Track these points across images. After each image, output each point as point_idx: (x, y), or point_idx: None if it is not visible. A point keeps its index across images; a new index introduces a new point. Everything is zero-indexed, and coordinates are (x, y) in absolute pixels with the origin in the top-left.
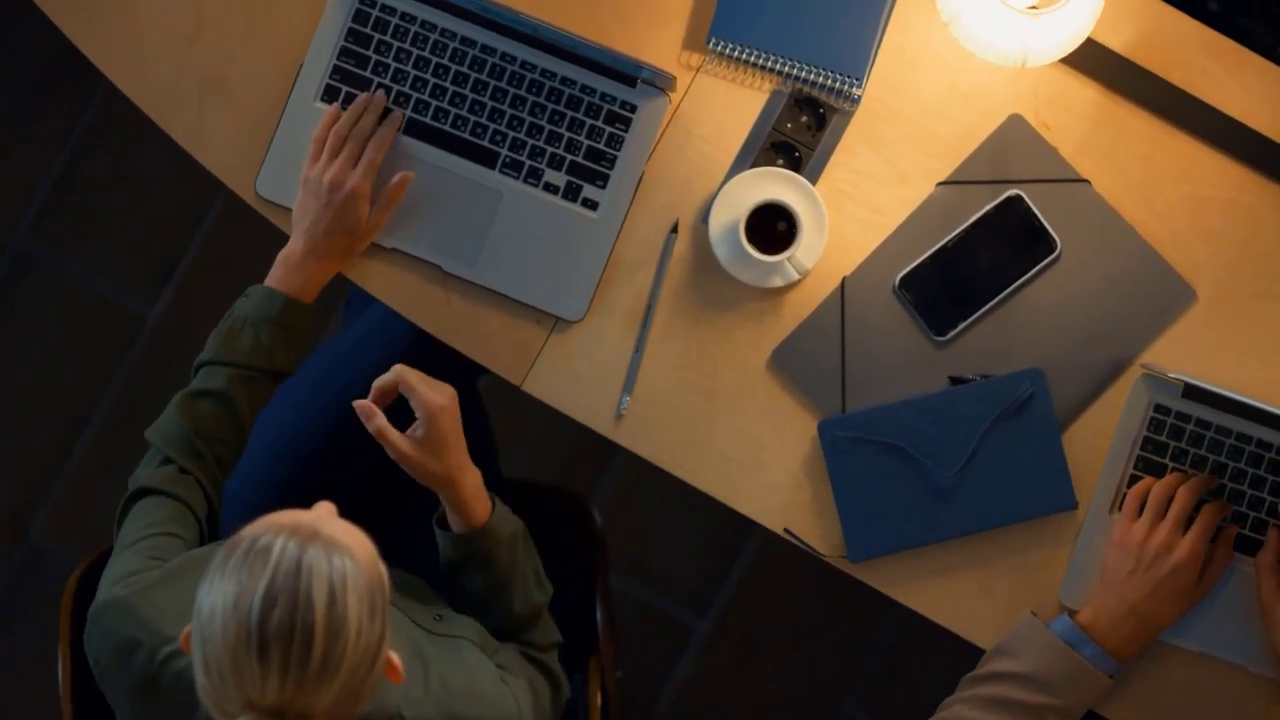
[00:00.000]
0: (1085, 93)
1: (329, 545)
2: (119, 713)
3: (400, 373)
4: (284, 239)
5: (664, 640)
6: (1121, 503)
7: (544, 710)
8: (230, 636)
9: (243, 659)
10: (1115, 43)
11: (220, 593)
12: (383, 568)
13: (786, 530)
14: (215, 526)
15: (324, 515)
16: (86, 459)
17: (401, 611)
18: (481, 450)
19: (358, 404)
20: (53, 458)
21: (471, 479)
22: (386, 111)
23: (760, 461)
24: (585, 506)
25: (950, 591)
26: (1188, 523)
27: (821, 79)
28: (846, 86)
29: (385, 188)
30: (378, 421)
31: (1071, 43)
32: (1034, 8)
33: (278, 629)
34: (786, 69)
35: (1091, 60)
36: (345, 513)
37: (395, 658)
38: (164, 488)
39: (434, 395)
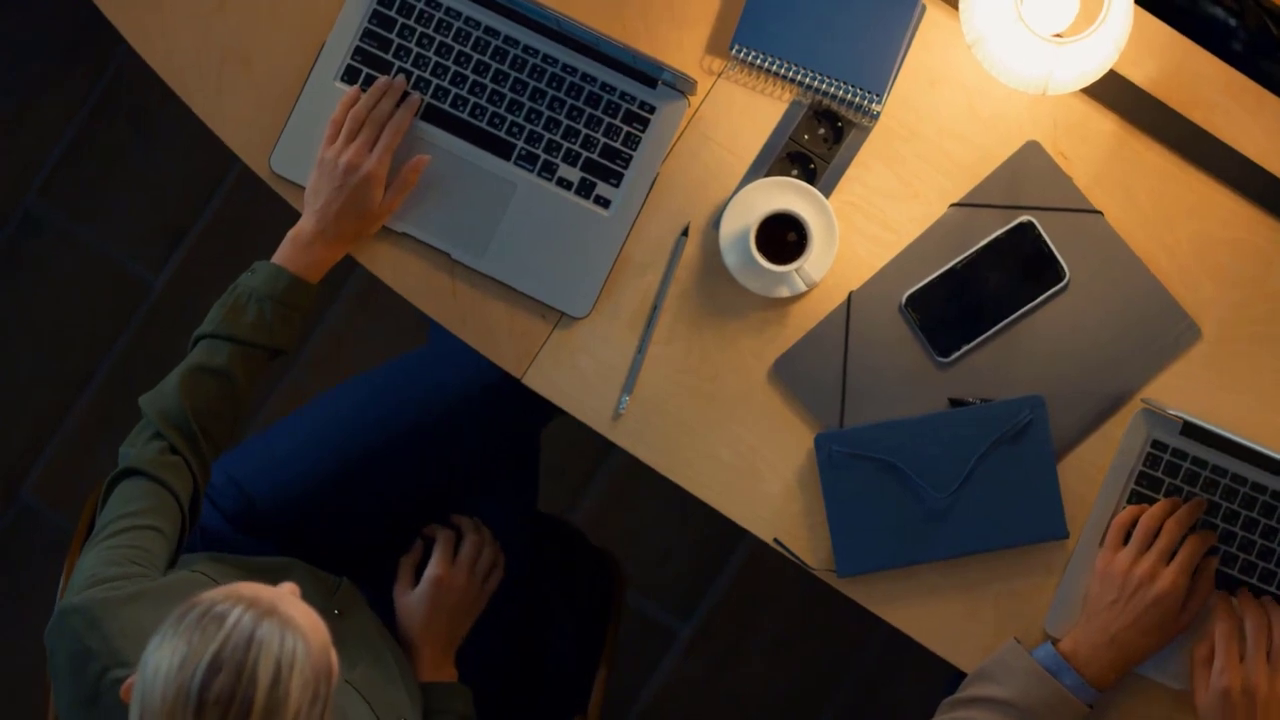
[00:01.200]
0: (1104, 124)
1: (284, 624)
2: (60, 712)
3: (444, 533)
4: (295, 217)
5: (646, 642)
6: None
7: None
8: (169, 696)
9: (178, 718)
10: (1137, 76)
11: (168, 651)
12: (334, 656)
13: (776, 540)
14: (198, 507)
15: (286, 594)
16: (83, 422)
17: (388, 701)
18: (523, 494)
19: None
20: (50, 418)
21: (431, 654)
22: (405, 96)
23: (755, 470)
24: (615, 566)
25: (936, 613)
26: (1172, 555)
27: (842, 93)
28: (866, 102)
29: (400, 171)
30: (410, 559)
31: (1094, 73)
32: (1059, 36)
33: (217, 697)
34: (807, 80)
35: (1113, 92)
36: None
37: None
38: (151, 470)
39: (439, 567)
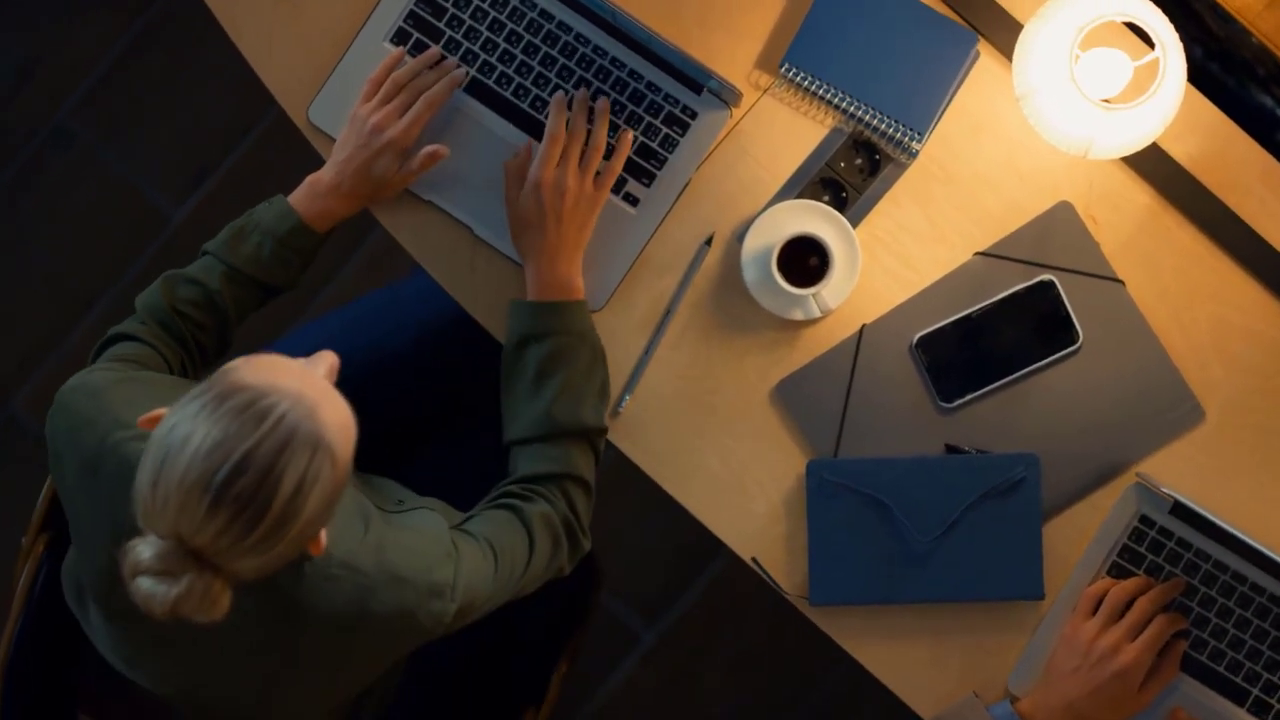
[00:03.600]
0: (1139, 195)
1: (319, 434)
2: (64, 501)
3: (554, 127)
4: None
5: (608, 642)
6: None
7: (510, 567)
8: (191, 476)
9: (193, 501)
10: (1178, 152)
11: (205, 427)
12: (351, 458)
13: (754, 560)
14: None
15: (328, 390)
16: (82, 345)
17: (365, 495)
18: None
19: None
20: (50, 336)
21: (541, 270)
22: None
23: (743, 487)
24: (594, 563)
25: (902, 654)
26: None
27: (884, 126)
28: (907, 139)
29: (417, 154)
30: (517, 161)
31: (1137, 143)
32: (1108, 101)
33: (237, 494)
34: (851, 109)
35: (1152, 164)
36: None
37: (323, 536)
38: (144, 337)
39: (541, 169)
